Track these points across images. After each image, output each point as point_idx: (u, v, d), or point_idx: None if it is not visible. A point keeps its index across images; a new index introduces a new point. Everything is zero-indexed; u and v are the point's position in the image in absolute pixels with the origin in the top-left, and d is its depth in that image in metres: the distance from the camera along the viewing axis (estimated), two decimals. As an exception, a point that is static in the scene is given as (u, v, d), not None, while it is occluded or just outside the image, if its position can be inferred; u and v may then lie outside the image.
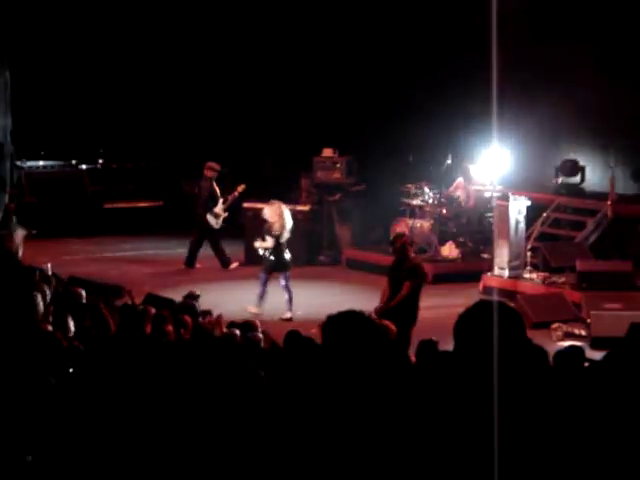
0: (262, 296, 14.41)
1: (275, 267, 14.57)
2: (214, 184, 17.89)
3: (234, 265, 17.69)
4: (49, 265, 12.17)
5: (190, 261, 17.64)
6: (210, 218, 17.63)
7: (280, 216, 14.64)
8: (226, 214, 17.76)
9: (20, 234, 13.16)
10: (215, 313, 10.70)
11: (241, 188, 17.88)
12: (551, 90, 17.67)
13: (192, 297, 12.68)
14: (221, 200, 17.72)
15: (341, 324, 3.82)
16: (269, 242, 14.51)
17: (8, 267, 8.99)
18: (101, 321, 9.04)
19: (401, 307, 11.45)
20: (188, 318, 9.21)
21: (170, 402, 6.12)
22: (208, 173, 17.89)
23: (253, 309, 14.15)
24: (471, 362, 3.47)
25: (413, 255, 12.32)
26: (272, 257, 14.51)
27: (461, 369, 3.55)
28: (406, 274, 11.71)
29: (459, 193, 17.33)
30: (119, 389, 6.23)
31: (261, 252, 14.65)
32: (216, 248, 17.76)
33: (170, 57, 22.49)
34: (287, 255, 14.65)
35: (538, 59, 18.05)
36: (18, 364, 6.40)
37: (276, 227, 14.54)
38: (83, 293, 9.96)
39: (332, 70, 20.75)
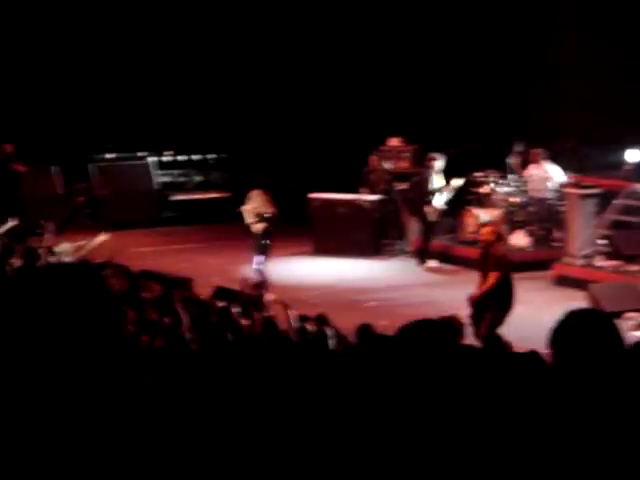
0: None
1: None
2: (436, 176, 17.31)
3: (431, 263, 17.12)
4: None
5: (422, 254, 17.26)
6: (427, 209, 17.29)
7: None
8: (445, 207, 17.33)
9: (101, 239, 13.23)
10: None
11: (457, 182, 17.27)
12: (612, 76, 17.38)
13: (248, 285, 12.62)
14: (441, 193, 17.27)
15: (419, 335, 3.79)
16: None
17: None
18: (173, 314, 9.04)
19: (493, 296, 11.32)
20: (257, 315, 9.19)
21: (240, 397, 6.09)
22: (430, 164, 17.44)
23: (272, 296, 14.07)
24: (571, 373, 3.41)
25: (499, 245, 12.14)
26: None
27: (562, 380, 3.50)
28: (492, 264, 11.63)
29: (529, 180, 17.08)
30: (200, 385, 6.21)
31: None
32: (425, 237, 17.39)
33: (237, 50, 22.56)
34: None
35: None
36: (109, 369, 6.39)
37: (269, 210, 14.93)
38: (156, 287, 9.97)
39: (397, 60, 20.65)
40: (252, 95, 22.52)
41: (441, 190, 17.31)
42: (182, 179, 22.84)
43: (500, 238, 12.11)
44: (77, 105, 22.08)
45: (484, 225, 12.48)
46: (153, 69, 22.71)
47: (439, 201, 17.31)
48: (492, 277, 11.42)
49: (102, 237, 13.29)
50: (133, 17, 22.53)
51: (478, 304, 11.19)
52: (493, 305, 11.19)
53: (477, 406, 4.04)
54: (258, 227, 14.96)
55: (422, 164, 18.00)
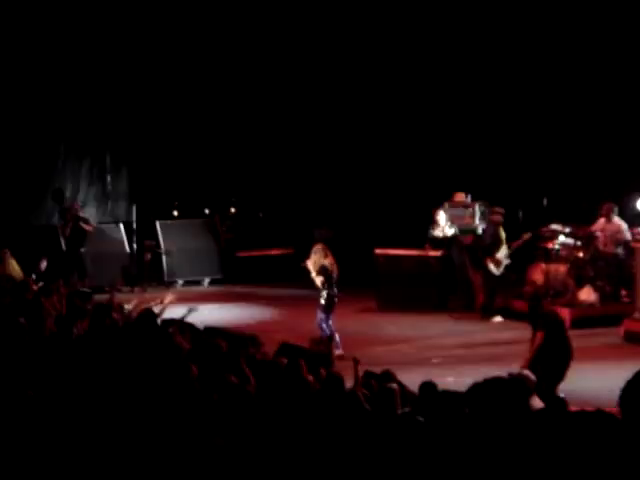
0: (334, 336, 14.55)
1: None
2: (500, 230, 17.38)
3: (496, 319, 17.08)
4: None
5: (487, 310, 17.30)
6: (490, 264, 17.32)
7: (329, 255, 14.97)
8: (508, 261, 17.33)
9: (169, 298, 13.29)
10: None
11: (527, 236, 17.26)
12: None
13: (319, 342, 12.59)
14: (505, 247, 17.30)
15: (489, 393, 3.74)
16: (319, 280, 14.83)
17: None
18: (240, 372, 9.02)
19: (545, 355, 11.14)
20: (323, 370, 9.13)
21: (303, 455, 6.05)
22: (494, 218, 17.50)
23: (339, 351, 13.91)
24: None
25: (545, 302, 11.94)
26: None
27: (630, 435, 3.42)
28: (539, 323, 11.47)
29: (599, 234, 16.89)
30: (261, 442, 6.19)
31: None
32: (488, 292, 17.42)
33: (302, 109, 22.76)
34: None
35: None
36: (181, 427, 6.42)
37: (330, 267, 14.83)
38: (223, 344, 9.96)
39: (465, 119, 20.71)
40: (319, 152, 22.68)
41: (506, 244, 17.21)
42: (247, 236, 23.00)
43: (543, 296, 11.88)
44: (144, 164, 22.42)
45: (527, 284, 12.29)
46: (220, 130, 23.01)
47: (503, 255, 17.21)
48: (538, 337, 11.29)
49: (170, 297, 13.36)
50: (210, 85, 22.91)
51: (533, 364, 11.01)
52: (547, 363, 11.01)
53: (544, 467, 3.97)
54: (318, 280, 14.95)
55: (486, 218, 17.95)
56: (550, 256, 17.13)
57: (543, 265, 16.90)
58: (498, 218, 17.37)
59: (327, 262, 14.94)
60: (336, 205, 22.38)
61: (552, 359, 11.12)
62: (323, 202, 22.54)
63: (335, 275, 14.96)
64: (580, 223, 17.21)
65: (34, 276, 15.92)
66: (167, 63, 22.58)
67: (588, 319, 15.96)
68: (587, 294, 16.60)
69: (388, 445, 6.08)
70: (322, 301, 14.88)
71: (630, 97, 18.60)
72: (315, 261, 15.03)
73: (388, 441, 6.23)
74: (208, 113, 22.91)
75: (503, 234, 17.30)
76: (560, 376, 11.04)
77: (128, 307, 13.06)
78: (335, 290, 14.88)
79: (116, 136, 22.46)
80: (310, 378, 8.87)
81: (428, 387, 8.23)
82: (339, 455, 6.13)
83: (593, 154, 18.97)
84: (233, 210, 23.11)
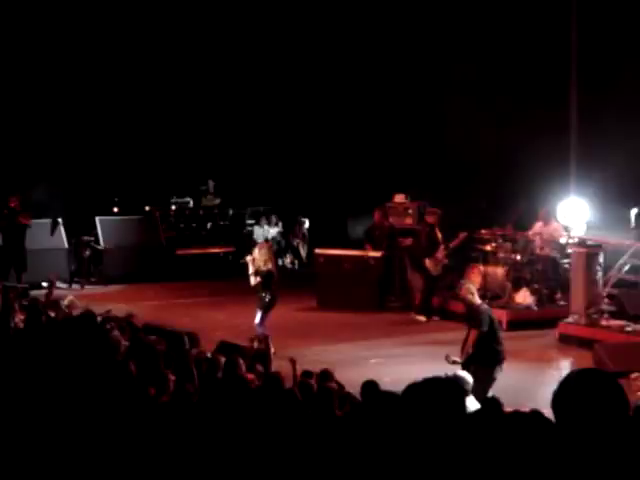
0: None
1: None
2: (436, 230, 17.52)
3: (420, 317, 17.25)
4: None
5: (427, 310, 17.37)
6: (429, 263, 17.41)
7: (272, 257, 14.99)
8: (446, 261, 17.44)
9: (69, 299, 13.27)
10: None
11: (463, 235, 17.44)
12: (631, 136, 17.37)
13: (259, 341, 12.67)
14: (442, 247, 17.42)
15: (426, 393, 3.76)
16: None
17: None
18: (177, 369, 9.01)
19: (478, 354, 11.23)
20: (260, 367, 9.15)
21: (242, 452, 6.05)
22: (429, 219, 17.62)
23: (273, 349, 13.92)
24: (573, 434, 3.38)
25: (477, 302, 11.95)
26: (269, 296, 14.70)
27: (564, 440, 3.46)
28: (471, 322, 11.56)
29: (536, 238, 17.08)
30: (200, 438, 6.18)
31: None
32: (426, 292, 17.49)
33: (233, 103, 22.73)
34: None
35: (618, 104, 17.82)
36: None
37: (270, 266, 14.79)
38: (158, 341, 9.94)
39: (404, 120, 20.82)
40: (257, 151, 22.66)
41: (444, 244, 17.36)
42: (188, 233, 22.88)
43: (472, 295, 11.90)
44: (83, 160, 22.21)
45: (460, 284, 12.31)
46: (159, 126, 22.89)
47: (441, 256, 17.35)
48: (471, 337, 11.37)
49: (70, 297, 13.38)
50: (139, 76, 22.74)
51: (467, 364, 11.11)
52: (480, 363, 11.10)
53: (480, 466, 4.01)
54: (255, 280, 14.90)
55: (423, 219, 18.10)
56: (488, 258, 17.29)
57: (480, 267, 17.01)
58: (434, 219, 17.53)
59: (271, 266, 14.89)
60: (277, 204, 22.37)
61: (484, 359, 11.21)
62: (263, 200, 22.51)
63: (276, 277, 14.96)
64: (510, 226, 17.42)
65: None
66: (105, 55, 22.40)
67: (524, 322, 16.14)
68: (524, 297, 16.78)
69: (327, 445, 6.10)
70: (266, 300, 14.84)
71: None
72: (257, 260, 14.97)
73: (327, 441, 6.25)
74: (148, 109, 22.76)
75: (439, 234, 17.45)
76: (491, 377, 11.13)
77: (65, 303, 12.99)
78: (276, 291, 14.88)
79: (54, 131, 22.21)
80: (250, 377, 8.88)
81: (370, 386, 8.27)
82: (278, 454, 6.14)
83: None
84: (174, 208, 22.98)
